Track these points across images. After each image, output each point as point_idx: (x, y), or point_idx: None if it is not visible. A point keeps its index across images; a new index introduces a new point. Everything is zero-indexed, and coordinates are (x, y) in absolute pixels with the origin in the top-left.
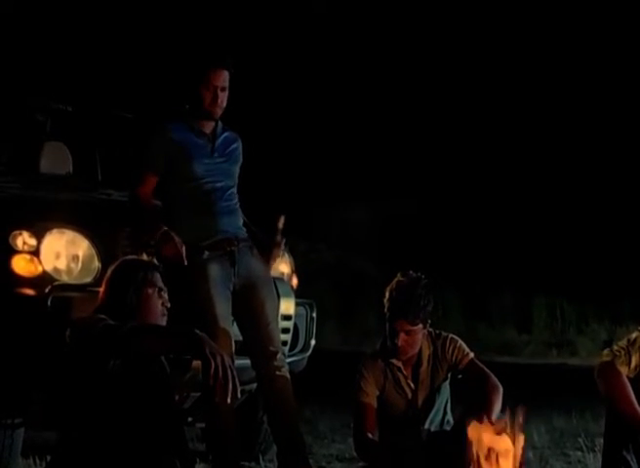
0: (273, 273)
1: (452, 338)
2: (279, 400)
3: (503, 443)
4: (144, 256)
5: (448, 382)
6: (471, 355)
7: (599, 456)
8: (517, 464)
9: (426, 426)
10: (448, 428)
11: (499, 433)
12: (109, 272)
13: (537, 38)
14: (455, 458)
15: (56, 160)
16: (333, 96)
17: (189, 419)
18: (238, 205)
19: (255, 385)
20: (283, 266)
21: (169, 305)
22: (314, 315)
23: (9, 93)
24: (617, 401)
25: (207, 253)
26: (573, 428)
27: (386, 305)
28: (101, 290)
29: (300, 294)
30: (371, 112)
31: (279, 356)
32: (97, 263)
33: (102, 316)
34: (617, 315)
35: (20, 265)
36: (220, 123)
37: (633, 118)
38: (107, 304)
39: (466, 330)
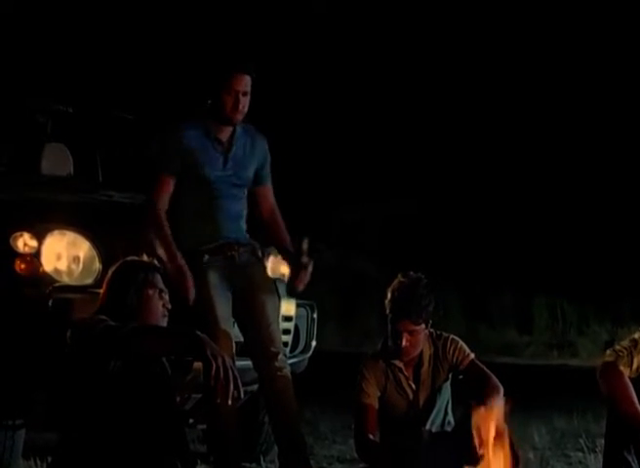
0: (274, 275)
1: (452, 339)
2: (280, 401)
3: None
4: (145, 257)
5: (449, 383)
6: (472, 356)
7: (600, 457)
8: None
9: (427, 427)
10: (449, 429)
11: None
12: (110, 273)
13: (537, 38)
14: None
15: (56, 161)
16: (332, 96)
17: (190, 421)
18: (245, 211)
19: (256, 386)
20: (283, 268)
21: (169, 306)
22: (315, 316)
23: (10, 94)
24: (618, 401)
25: (207, 256)
26: (574, 429)
27: (388, 306)
28: (102, 291)
29: (300, 295)
30: (371, 112)
31: (280, 357)
32: (97, 265)
33: (103, 317)
34: (617, 316)
35: (21, 267)
36: (238, 128)
37: (633, 118)
38: (108, 305)
39: (467, 330)
